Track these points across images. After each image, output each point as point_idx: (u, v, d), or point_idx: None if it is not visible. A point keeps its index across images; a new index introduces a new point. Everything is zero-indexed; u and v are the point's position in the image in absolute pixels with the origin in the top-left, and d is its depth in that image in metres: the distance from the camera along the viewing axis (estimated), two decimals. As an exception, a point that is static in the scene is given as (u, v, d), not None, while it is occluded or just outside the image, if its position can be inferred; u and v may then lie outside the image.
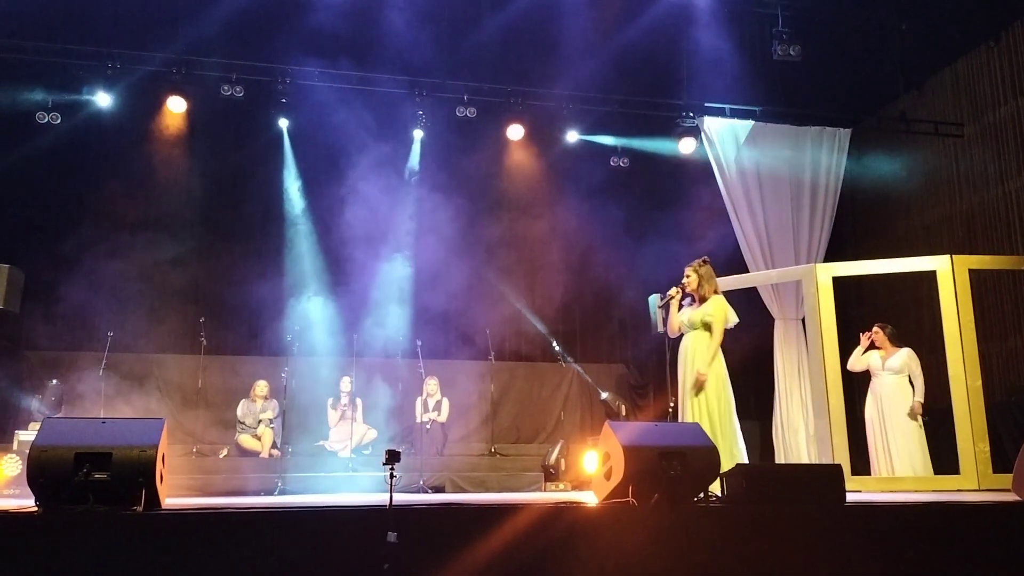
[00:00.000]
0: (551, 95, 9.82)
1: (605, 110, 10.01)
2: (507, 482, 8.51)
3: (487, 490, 8.23)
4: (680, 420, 5.94)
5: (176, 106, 9.23)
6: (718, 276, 8.40)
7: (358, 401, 9.28)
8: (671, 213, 10.26)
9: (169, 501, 4.21)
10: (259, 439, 8.91)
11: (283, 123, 9.91)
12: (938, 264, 7.53)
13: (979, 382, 7.21)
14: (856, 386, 8.08)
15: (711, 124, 9.86)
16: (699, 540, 3.96)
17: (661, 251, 8.51)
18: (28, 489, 3.78)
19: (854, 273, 8.22)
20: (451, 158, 10.36)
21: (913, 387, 7.43)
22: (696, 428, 4.81)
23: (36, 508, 3.72)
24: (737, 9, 9.25)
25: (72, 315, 9.44)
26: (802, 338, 9.15)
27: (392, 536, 3.58)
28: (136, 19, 8.84)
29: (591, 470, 7.32)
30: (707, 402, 5.75)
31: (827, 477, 4.63)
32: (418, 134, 10.17)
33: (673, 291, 6.03)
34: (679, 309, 6.04)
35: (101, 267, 9.18)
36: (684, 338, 6.00)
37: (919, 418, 7.36)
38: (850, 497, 4.57)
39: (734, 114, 9.91)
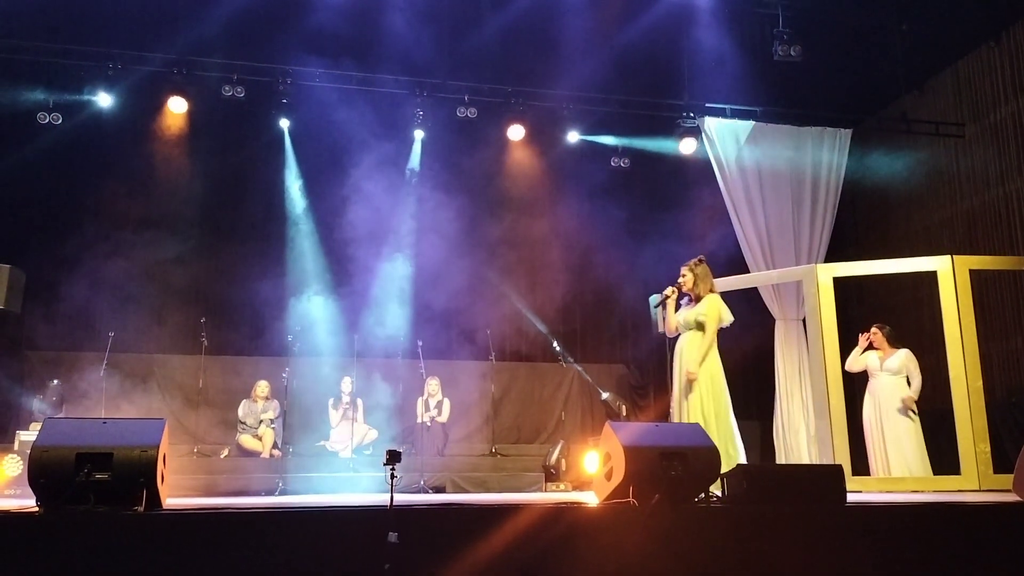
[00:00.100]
0: (552, 95, 9.83)
1: (606, 110, 10.02)
2: (508, 482, 8.51)
3: (488, 490, 8.23)
4: (670, 420, 5.92)
5: (177, 106, 9.23)
6: (718, 276, 8.40)
7: (359, 401, 9.29)
8: (672, 213, 10.26)
9: (170, 501, 4.22)
10: (260, 439, 8.92)
11: (284, 123, 9.91)
12: (939, 264, 7.53)
13: (980, 382, 7.21)
14: (857, 387, 8.07)
15: (712, 124, 9.86)
16: (700, 540, 3.96)
17: (662, 251, 8.51)
18: (29, 489, 3.79)
19: (855, 273, 8.22)
20: (452, 158, 10.36)
21: (911, 387, 7.44)
22: (697, 428, 4.81)
23: (37, 508, 3.72)
24: (738, 9, 9.25)
25: (73, 315, 9.46)
26: (803, 338, 9.15)
27: (393, 536, 3.58)
28: (137, 19, 8.84)
29: (592, 470, 7.32)
30: (700, 402, 5.72)
31: (828, 477, 4.63)
32: (419, 134, 10.17)
33: (669, 291, 6.03)
34: (676, 309, 6.04)
35: (102, 267, 9.20)
36: (680, 338, 6.00)
37: (911, 414, 7.35)
38: (851, 497, 4.56)
39: (735, 114, 9.90)
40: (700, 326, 5.84)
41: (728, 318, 5.93)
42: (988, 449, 7.07)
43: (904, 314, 9.67)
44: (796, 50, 8.89)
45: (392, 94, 9.44)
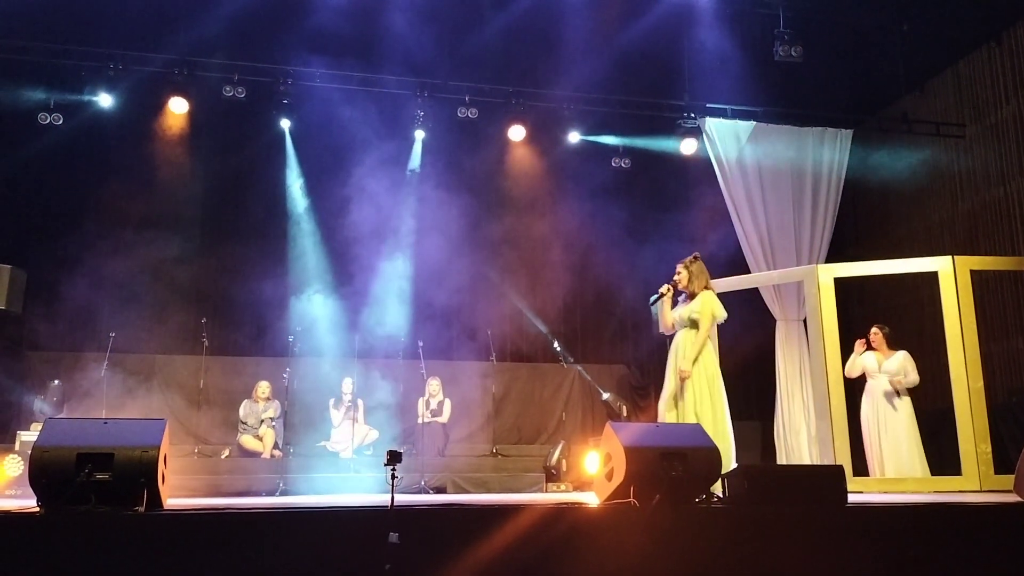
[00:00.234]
0: (553, 96, 9.83)
1: (606, 111, 10.01)
2: (508, 483, 8.52)
3: (488, 491, 8.23)
4: (660, 418, 5.90)
5: (178, 107, 9.24)
6: (719, 277, 8.41)
7: (359, 402, 9.29)
8: (672, 214, 10.26)
9: (171, 501, 4.22)
10: (261, 439, 8.92)
11: (285, 123, 9.91)
12: (940, 265, 7.53)
13: (981, 383, 7.21)
14: (857, 387, 8.07)
15: (712, 124, 9.85)
16: (700, 541, 3.96)
17: (662, 252, 8.50)
18: (30, 489, 3.79)
19: (856, 274, 8.22)
20: (453, 158, 10.36)
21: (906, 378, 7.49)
22: (698, 429, 4.81)
23: (38, 508, 3.72)
24: (739, 10, 9.25)
25: (74, 315, 9.47)
26: (804, 339, 9.15)
27: (394, 536, 3.58)
28: (138, 20, 8.85)
29: (592, 471, 7.32)
30: (696, 400, 5.70)
31: (829, 478, 4.63)
32: (419, 134, 10.17)
33: (664, 288, 6.02)
34: (672, 306, 6.04)
35: (103, 267, 9.20)
36: (676, 335, 5.99)
37: (899, 397, 7.38)
38: (851, 498, 4.56)
39: (736, 115, 9.90)
40: (694, 323, 5.84)
41: (722, 315, 5.92)
42: (989, 450, 7.06)
43: (905, 314, 9.67)
44: (797, 50, 8.89)
45: (393, 94, 9.44)
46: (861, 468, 7.52)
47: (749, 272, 9.57)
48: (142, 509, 3.73)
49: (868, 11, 9.41)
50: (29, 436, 7.13)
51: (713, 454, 4.42)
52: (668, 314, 6.02)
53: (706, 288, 5.93)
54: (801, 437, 9.24)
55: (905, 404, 7.49)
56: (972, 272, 7.52)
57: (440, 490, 8.11)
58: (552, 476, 8.59)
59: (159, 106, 9.33)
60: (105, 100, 9.08)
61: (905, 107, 10.09)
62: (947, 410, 7.35)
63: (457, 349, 10.39)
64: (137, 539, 3.53)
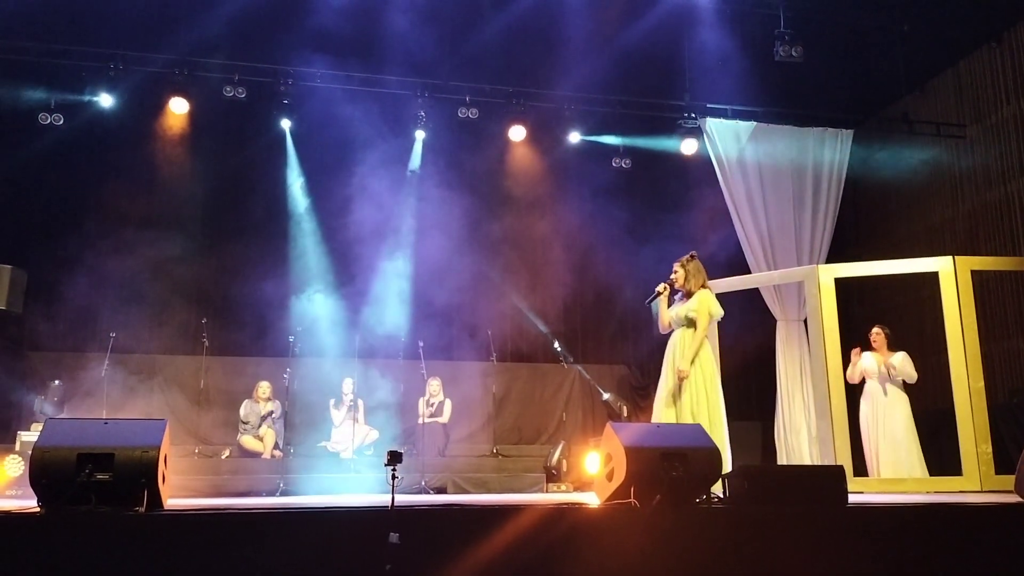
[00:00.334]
0: (553, 96, 9.84)
1: (607, 111, 10.02)
2: (509, 483, 8.52)
3: (489, 491, 8.23)
4: (655, 417, 5.90)
5: (178, 107, 9.24)
6: (720, 277, 8.42)
7: (360, 402, 9.28)
8: (673, 214, 10.26)
9: (171, 502, 4.22)
10: (261, 440, 8.92)
11: (285, 124, 9.92)
12: (940, 265, 7.53)
13: (981, 383, 7.21)
14: (858, 388, 8.08)
15: (713, 125, 9.85)
16: (701, 541, 3.96)
17: (663, 252, 8.48)
18: (30, 490, 3.79)
19: (856, 274, 8.22)
20: (454, 159, 10.36)
21: (906, 389, 7.52)
22: (698, 429, 4.81)
23: (38, 509, 3.72)
24: (739, 10, 9.25)
25: (75, 316, 9.47)
26: (804, 339, 9.15)
27: (394, 537, 3.58)
28: (138, 20, 8.85)
29: (593, 471, 7.31)
30: (692, 399, 5.71)
31: (829, 478, 4.62)
32: (420, 135, 10.17)
33: (661, 287, 6.02)
34: (669, 305, 6.04)
35: (104, 267, 9.20)
36: (673, 334, 5.99)
37: (892, 377, 7.47)
38: (852, 498, 4.56)
39: (736, 115, 9.90)
40: (691, 322, 5.84)
41: (719, 312, 5.93)
42: (989, 450, 7.06)
43: (906, 315, 9.67)
44: (797, 51, 8.88)
45: (393, 95, 9.45)
46: (861, 468, 7.52)
47: (750, 272, 9.58)
48: (142, 509, 3.73)
49: (868, 11, 9.40)
50: (30, 436, 7.13)
51: (714, 454, 4.42)
52: (665, 313, 6.03)
53: (703, 287, 5.94)
54: (801, 437, 9.24)
55: (903, 405, 7.50)
56: (973, 272, 7.52)
57: (440, 490, 8.11)
58: (552, 476, 8.59)
59: (160, 106, 9.34)
60: (106, 100, 9.09)
61: (906, 107, 10.09)
62: (947, 410, 7.35)
63: (457, 349, 10.39)
64: (137, 539, 3.53)
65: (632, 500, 4.11)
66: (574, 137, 10.39)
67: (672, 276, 6.02)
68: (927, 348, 8.61)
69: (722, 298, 6.05)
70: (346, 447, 8.88)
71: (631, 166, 10.52)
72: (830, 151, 10.11)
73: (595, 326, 11.41)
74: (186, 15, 8.94)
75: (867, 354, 7.69)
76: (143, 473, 3.77)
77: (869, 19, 9.51)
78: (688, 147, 10.11)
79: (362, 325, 9.47)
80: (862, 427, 7.61)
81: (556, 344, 10.54)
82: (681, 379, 5.71)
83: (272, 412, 9.07)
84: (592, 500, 4.68)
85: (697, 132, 9.96)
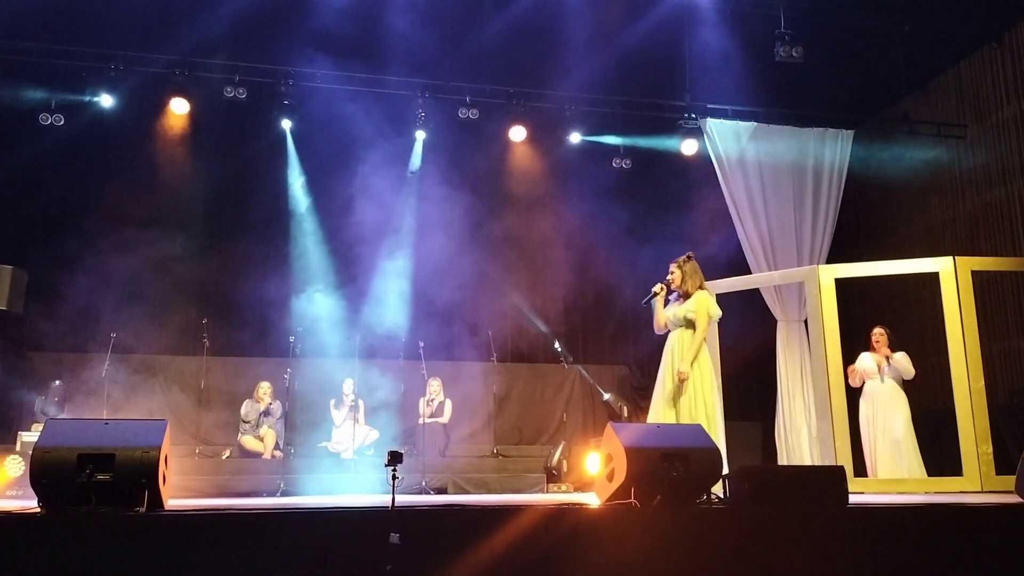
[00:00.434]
0: (554, 96, 9.83)
1: (607, 111, 10.02)
2: (509, 483, 8.52)
3: (489, 491, 8.23)
4: (651, 418, 5.90)
5: (179, 107, 9.25)
6: (720, 278, 8.42)
7: (360, 402, 9.28)
8: (673, 214, 10.26)
9: (172, 502, 4.22)
10: (262, 440, 8.92)
11: (286, 124, 9.91)
12: (941, 265, 7.53)
13: (982, 384, 7.21)
14: (858, 389, 8.08)
15: (713, 125, 9.85)
16: (701, 542, 3.96)
17: (663, 252, 8.45)
18: (31, 490, 3.79)
19: (857, 275, 8.22)
20: (454, 159, 10.36)
21: (904, 388, 7.55)
22: (698, 429, 4.81)
23: (39, 509, 3.73)
24: (739, 10, 9.24)
25: (75, 316, 9.46)
26: (805, 340, 9.15)
27: (395, 537, 3.58)
28: (139, 21, 8.84)
29: (593, 471, 7.31)
30: (689, 401, 5.70)
31: (829, 479, 4.62)
32: (420, 135, 10.17)
33: (658, 288, 6.02)
34: (665, 305, 6.04)
35: (104, 268, 9.20)
36: (670, 334, 5.99)
37: (887, 361, 7.47)
38: (852, 499, 4.56)
39: (737, 115, 9.90)
40: (690, 323, 5.84)
41: (717, 313, 5.94)
42: (990, 450, 7.06)
43: (906, 315, 9.66)
44: (798, 51, 8.88)
45: (394, 95, 9.44)
46: (862, 469, 7.53)
47: (750, 273, 9.57)
48: (143, 510, 3.73)
49: (869, 11, 9.40)
50: (30, 437, 7.14)
51: (714, 455, 4.43)
52: (661, 313, 6.02)
53: (700, 288, 5.94)
54: (802, 438, 9.24)
55: (903, 406, 7.52)
56: (973, 272, 7.53)
57: (441, 491, 8.11)
58: (553, 477, 8.59)
59: (160, 107, 9.34)
60: (106, 101, 9.09)
61: (906, 107, 10.09)
62: (948, 410, 7.35)
63: (458, 349, 10.39)
64: (138, 540, 3.53)
65: (633, 500, 4.12)
66: (574, 137, 10.39)
67: (669, 277, 6.02)
68: (927, 348, 8.61)
69: (722, 298, 6.06)
70: (347, 447, 8.88)
71: (631, 166, 10.52)
72: (831, 151, 10.11)
73: (596, 326, 11.41)
74: (186, 15, 8.93)
75: (865, 354, 7.70)
76: (144, 473, 3.77)
77: (870, 19, 9.50)
78: (688, 147, 10.11)
79: (362, 325, 9.47)
80: (862, 427, 7.62)
81: (556, 344, 10.54)
82: (681, 380, 5.70)
83: (271, 405, 9.06)
84: (593, 500, 4.69)
85: (697, 132, 9.96)
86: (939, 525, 4.22)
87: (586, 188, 10.36)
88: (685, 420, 5.61)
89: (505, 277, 10.78)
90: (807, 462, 8.85)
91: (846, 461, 7.07)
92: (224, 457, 8.85)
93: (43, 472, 3.73)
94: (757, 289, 9.45)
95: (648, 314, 6.13)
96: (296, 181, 10.25)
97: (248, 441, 8.92)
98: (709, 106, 9.86)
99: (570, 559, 3.80)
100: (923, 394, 8.09)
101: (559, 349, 10.50)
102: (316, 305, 9.64)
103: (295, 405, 9.03)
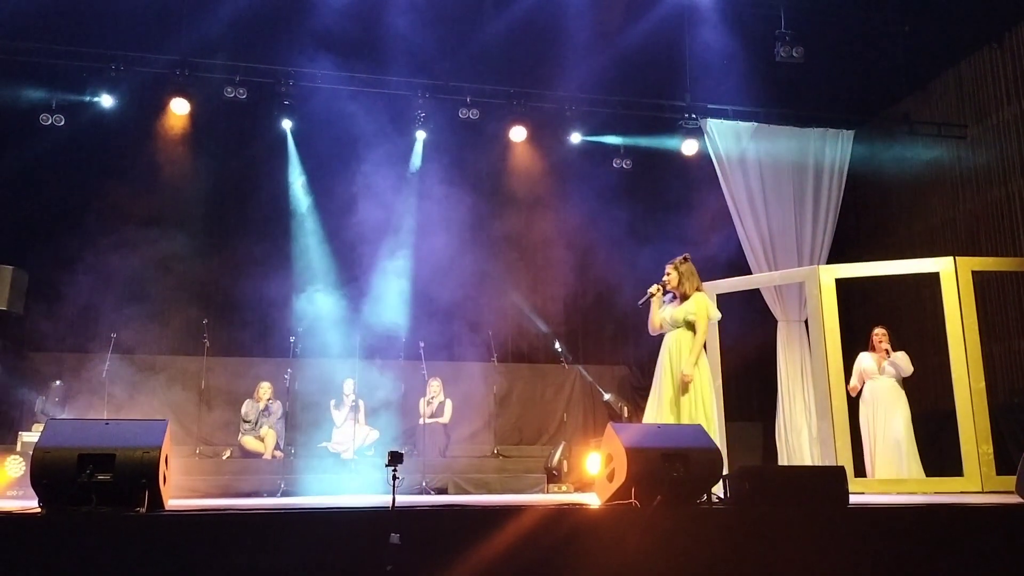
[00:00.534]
0: (554, 96, 9.83)
1: (608, 111, 10.02)
2: (510, 484, 8.52)
3: (490, 492, 8.24)
4: (647, 419, 5.89)
5: (179, 108, 9.25)
6: (721, 278, 8.41)
7: (360, 403, 9.28)
8: (674, 215, 10.26)
9: (172, 502, 4.22)
10: (262, 440, 8.92)
11: (286, 124, 9.92)
12: (941, 266, 7.53)
13: (982, 384, 7.21)
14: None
15: (714, 125, 9.85)
16: (702, 542, 3.96)
17: (663, 252, 8.45)
18: (32, 490, 3.80)
19: (857, 275, 8.22)
20: (455, 159, 10.36)
21: (904, 388, 7.56)
22: (699, 430, 4.81)
23: (40, 509, 3.73)
24: (740, 11, 9.24)
25: (76, 316, 9.47)
26: (805, 340, 9.15)
27: (395, 537, 3.58)
28: (140, 21, 8.85)
29: (594, 472, 7.31)
30: (689, 403, 5.70)
31: (830, 479, 4.62)
32: (421, 135, 10.18)
33: (654, 288, 6.02)
34: (660, 307, 6.04)
35: (105, 268, 9.20)
36: (666, 336, 5.98)
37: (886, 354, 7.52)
38: (853, 499, 4.56)
39: (737, 116, 9.90)
40: (689, 325, 5.84)
41: (716, 315, 5.96)
42: (990, 450, 7.06)
43: (906, 315, 9.66)
44: (798, 51, 8.88)
45: (394, 95, 9.44)
46: (862, 469, 7.53)
47: (750, 273, 9.57)
48: (143, 510, 3.73)
49: (869, 12, 9.39)
50: (31, 437, 7.14)
51: (714, 455, 4.43)
52: (656, 314, 6.02)
53: (698, 290, 5.94)
54: (802, 438, 9.24)
55: (903, 406, 7.53)
56: (974, 273, 7.53)
57: (441, 491, 8.11)
58: (553, 477, 8.59)
59: (161, 107, 9.34)
60: (107, 101, 9.09)
61: (907, 108, 10.09)
62: (948, 411, 7.35)
63: (458, 349, 10.39)
64: (138, 540, 3.54)
65: (633, 501, 4.12)
66: (575, 137, 10.38)
67: (665, 278, 6.01)
68: (928, 348, 8.61)
69: (723, 299, 6.07)
70: (347, 447, 8.88)
71: (632, 166, 10.52)
72: (831, 151, 10.11)
73: (596, 326, 11.41)
74: (187, 15, 8.93)
75: (864, 354, 7.71)
76: (144, 474, 3.78)
77: (870, 19, 9.49)
78: (689, 148, 10.11)
79: (363, 325, 9.47)
80: (862, 427, 7.62)
81: (557, 344, 10.54)
82: (687, 384, 5.69)
83: (270, 404, 9.06)
84: (593, 501, 4.69)
85: (698, 132, 9.96)
86: (939, 525, 4.22)
87: (586, 188, 10.35)
88: (685, 421, 5.62)
89: (506, 277, 10.79)
90: (807, 462, 8.85)
91: (846, 461, 7.07)
92: (225, 457, 8.85)
93: (44, 472, 3.73)
94: (757, 289, 9.45)
95: (647, 315, 6.12)
96: (296, 180, 10.25)
97: (248, 441, 8.93)
98: (709, 106, 9.86)
99: (570, 559, 3.80)
100: (923, 394, 8.09)
101: (559, 349, 10.51)
102: (317, 305, 9.64)
103: (296, 405, 9.03)
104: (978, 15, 9.05)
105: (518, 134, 9.99)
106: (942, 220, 9.94)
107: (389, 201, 9.85)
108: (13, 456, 7.01)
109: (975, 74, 9.56)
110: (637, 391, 10.96)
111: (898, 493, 7.07)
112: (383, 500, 4.45)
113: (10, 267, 8.25)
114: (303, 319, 9.36)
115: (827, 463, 7.15)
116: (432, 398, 9.49)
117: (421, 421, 9.25)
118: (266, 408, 9.08)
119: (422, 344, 9.22)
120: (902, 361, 7.56)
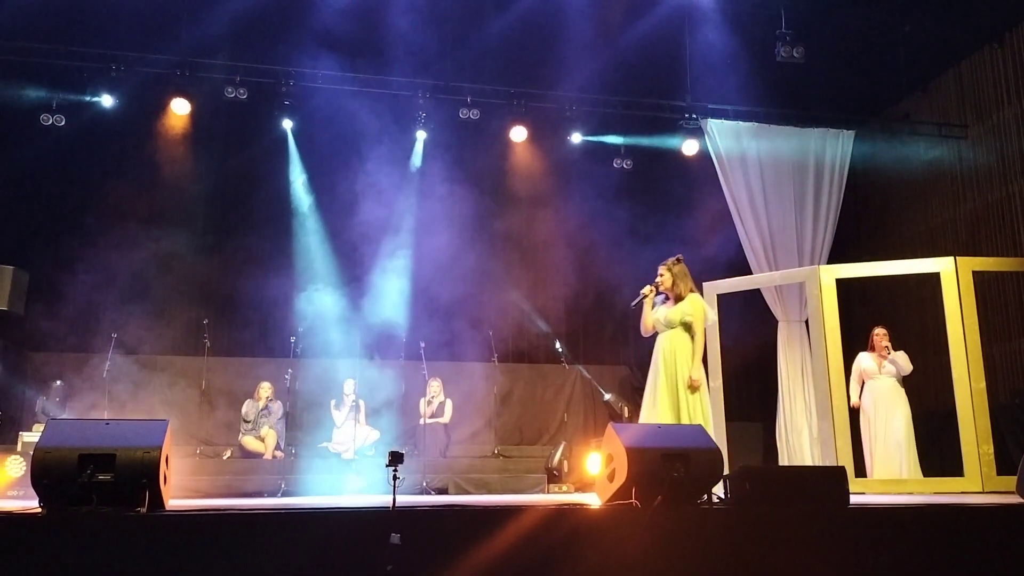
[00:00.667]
0: (555, 96, 9.83)
1: (608, 111, 10.01)
2: (510, 484, 8.52)
3: (490, 492, 8.24)
4: (643, 418, 5.89)
5: (180, 108, 9.25)
6: (721, 278, 8.41)
7: (361, 403, 9.28)
8: (674, 215, 10.25)
9: (173, 502, 4.22)
10: (263, 440, 8.92)
11: (287, 124, 9.92)
12: (942, 266, 7.53)
13: (983, 384, 7.21)
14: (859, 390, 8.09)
15: (714, 125, 9.84)
16: (702, 542, 3.96)
17: (664, 253, 8.41)
18: (32, 490, 3.79)
19: (858, 275, 8.22)
20: (455, 159, 10.36)
21: (904, 388, 7.58)
22: (699, 430, 4.81)
23: (40, 509, 3.73)
24: (740, 11, 9.24)
25: (76, 316, 9.47)
26: (805, 340, 9.14)
27: (395, 538, 3.58)
28: (140, 21, 8.85)
29: (594, 472, 7.31)
30: (687, 404, 5.70)
31: (831, 479, 4.62)
32: (421, 135, 10.18)
33: (647, 289, 6.01)
34: (652, 308, 6.03)
35: (105, 268, 9.22)
36: (659, 337, 5.97)
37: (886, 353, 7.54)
38: (853, 499, 4.55)
39: (737, 115, 9.89)
40: (685, 326, 5.83)
41: (712, 316, 5.98)
42: (991, 451, 7.06)
43: (907, 315, 9.66)
44: (799, 51, 8.88)
45: (395, 95, 9.44)
46: (862, 469, 7.53)
47: (751, 273, 9.57)
48: (144, 510, 3.73)
49: (870, 11, 9.39)
50: (31, 437, 7.14)
51: (715, 455, 4.42)
52: (649, 315, 6.01)
53: (692, 291, 5.93)
54: (803, 438, 9.24)
55: (903, 406, 7.53)
56: (974, 273, 7.53)
57: (442, 491, 8.11)
58: (554, 477, 8.59)
59: (161, 107, 9.34)
60: (107, 101, 9.08)
61: (907, 107, 10.09)
62: (949, 411, 7.35)
63: (459, 349, 10.39)
64: (139, 540, 3.53)
65: (633, 501, 4.12)
66: (576, 137, 10.38)
67: (658, 279, 6.00)
68: (928, 348, 8.61)
69: (723, 299, 6.07)
70: (347, 448, 8.88)
71: (632, 166, 10.51)
72: (831, 151, 10.10)
73: (596, 326, 11.41)
74: (187, 15, 8.94)
75: (864, 354, 7.71)
76: (144, 474, 3.77)
77: (870, 19, 9.49)
78: (689, 148, 10.11)
79: (363, 326, 9.47)
80: (862, 427, 7.63)
81: (557, 344, 10.54)
82: (694, 388, 5.68)
83: (270, 403, 9.06)
84: (593, 501, 4.69)
85: (698, 132, 9.95)
86: (940, 525, 4.22)
87: (587, 188, 10.35)
88: (684, 421, 5.62)
89: (506, 277, 10.78)
90: (808, 462, 8.85)
91: (847, 461, 7.07)
92: (225, 457, 8.85)
93: (44, 472, 3.73)
94: (758, 289, 9.44)
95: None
96: (297, 180, 10.25)
97: (249, 441, 8.93)
98: (710, 106, 9.86)
99: (571, 560, 3.80)
100: (924, 394, 8.08)
101: (560, 349, 10.50)
102: (317, 306, 9.64)
103: (296, 405, 9.03)
104: (978, 15, 9.05)
105: (519, 134, 9.99)
106: (942, 220, 9.94)
107: (390, 201, 9.85)
108: (14, 456, 7.02)
109: (975, 74, 9.56)
110: (637, 391, 10.93)
111: (898, 493, 7.07)
112: (384, 500, 4.45)
113: (10, 267, 8.25)
114: (304, 319, 9.37)
115: (828, 463, 7.15)
116: (432, 398, 9.49)
117: (422, 421, 9.24)
118: (266, 408, 9.08)
119: (423, 344, 9.22)
120: (901, 360, 7.58)
